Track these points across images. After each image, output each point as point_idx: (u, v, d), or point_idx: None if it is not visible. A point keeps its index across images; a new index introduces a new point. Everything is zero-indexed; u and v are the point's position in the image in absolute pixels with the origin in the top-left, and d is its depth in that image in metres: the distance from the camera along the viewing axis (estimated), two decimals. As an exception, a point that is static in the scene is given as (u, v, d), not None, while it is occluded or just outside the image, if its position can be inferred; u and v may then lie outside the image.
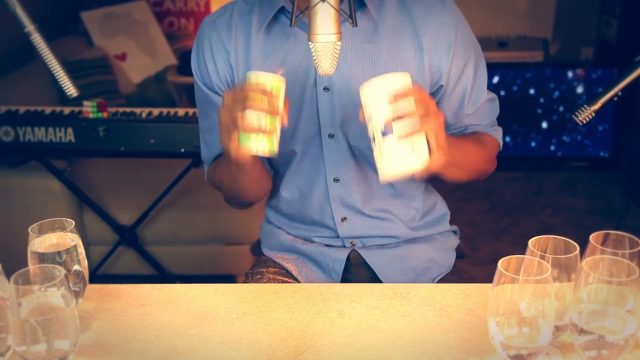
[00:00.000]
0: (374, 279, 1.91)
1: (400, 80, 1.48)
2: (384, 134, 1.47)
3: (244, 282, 1.96)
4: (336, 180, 1.85)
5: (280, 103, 1.53)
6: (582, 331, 1.23)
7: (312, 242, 1.96)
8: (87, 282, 1.47)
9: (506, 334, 1.24)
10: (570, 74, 5.06)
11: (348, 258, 1.92)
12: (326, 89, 1.76)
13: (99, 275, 3.50)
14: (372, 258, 1.91)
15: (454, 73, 1.78)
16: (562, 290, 1.32)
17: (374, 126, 1.48)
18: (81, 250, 1.44)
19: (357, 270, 1.93)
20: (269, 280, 1.92)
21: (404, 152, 1.47)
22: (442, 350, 1.42)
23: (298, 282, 1.94)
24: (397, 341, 1.45)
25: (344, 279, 1.93)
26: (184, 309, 1.58)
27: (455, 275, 1.98)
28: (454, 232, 2.05)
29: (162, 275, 3.53)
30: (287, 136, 1.78)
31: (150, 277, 3.58)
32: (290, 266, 1.97)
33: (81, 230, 3.48)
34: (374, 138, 1.50)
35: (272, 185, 1.96)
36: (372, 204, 1.89)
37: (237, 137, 1.54)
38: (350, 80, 1.74)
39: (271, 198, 2.02)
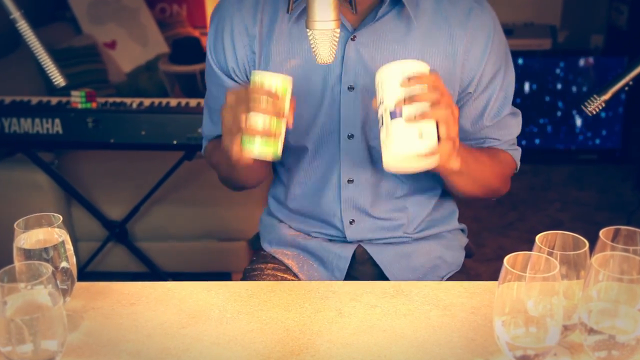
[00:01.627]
0: (380, 276, 1.91)
1: (417, 66, 1.48)
2: (392, 115, 1.47)
3: (242, 279, 1.96)
4: (350, 181, 1.84)
5: (287, 105, 1.52)
6: (591, 331, 1.23)
7: (315, 237, 1.96)
8: (76, 279, 1.47)
9: (512, 334, 1.24)
10: (579, 63, 5.06)
11: (353, 255, 1.92)
12: (351, 88, 1.74)
13: (87, 272, 3.50)
14: (379, 255, 1.91)
15: (484, 81, 1.76)
16: (570, 288, 1.32)
17: (384, 108, 1.48)
18: (69, 246, 1.44)
19: (362, 267, 1.94)
20: (268, 277, 1.92)
21: (411, 135, 1.46)
22: (445, 350, 1.42)
23: (299, 279, 1.93)
24: (399, 341, 1.45)
25: (348, 276, 1.93)
26: (176, 307, 1.58)
27: (464, 274, 1.98)
28: (462, 230, 2.06)
29: (153, 272, 3.53)
30: (300, 131, 1.78)
31: (141, 274, 3.58)
32: (290, 262, 1.96)
33: (69, 225, 3.48)
34: (382, 122, 1.49)
35: (279, 177, 1.96)
36: (383, 206, 1.89)
37: (240, 140, 1.52)
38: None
39: (275, 189, 2.01)
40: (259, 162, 1.62)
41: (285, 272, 1.95)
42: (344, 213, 1.88)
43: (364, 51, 1.71)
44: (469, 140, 1.85)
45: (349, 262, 1.91)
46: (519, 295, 1.23)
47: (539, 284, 1.22)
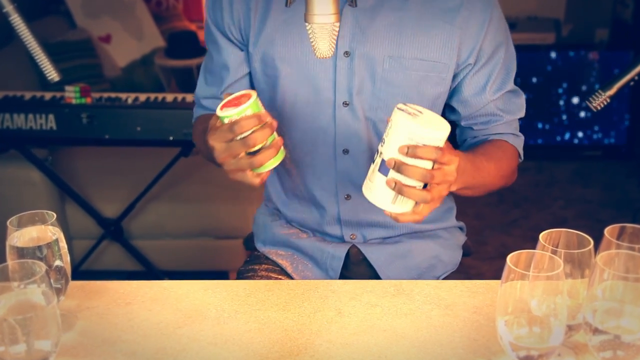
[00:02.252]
0: (375, 277, 1.91)
1: (435, 136, 1.44)
2: (381, 166, 1.47)
3: (236, 279, 1.96)
4: (345, 152, 1.84)
5: (264, 112, 1.52)
6: (596, 331, 1.23)
7: (309, 235, 1.97)
8: (70, 278, 1.47)
9: (515, 334, 1.24)
10: (583, 57, 5.06)
11: (347, 254, 1.92)
12: (347, 53, 1.76)
13: (82, 271, 3.50)
14: (373, 255, 1.91)
15: (485, 53, 1.79)
16: (575, 287, 1.32)
17: (381, 152, 1.47)
18: (63, 244, 1.44)
19: (356, 268, 1.94)
20: (261, 278, 1.92)
21: (386, 195, 1.49)
22: (447, 351, 1.42)
23: (292, 280, 1.93)
24: (400, 341, 1.45)
25: (342, 277, 1.93)
26: (172, 307, 1.58)
27: (461, 273, 1.98)
28: (460, 228, 2.05)
29: (149, 271, 3.53)
30: (294, 99, 1.81)
31: (136, 273, 3.58)
32: (284, 262, 1.97)
33: (63, 223, 3.48)
34: (375, 158, 1.50)
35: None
36: None
37: (252, 173, 1.55)
38: (373, 46, 1.75)
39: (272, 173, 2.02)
40: None
41: (279, 274, 1.95)
42: (339, 186, 1.88)
43: (361, 17, 1.74)
44: (475, 120, 1.87)
45: (342, 261, 1.91)
46: (522, 294, 1.23)
47: (542, 282, 1.22)
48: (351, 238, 1.93)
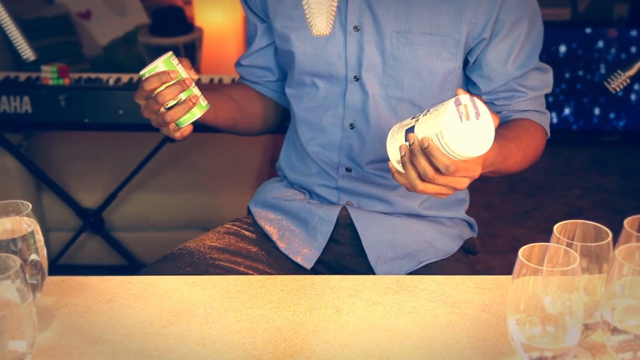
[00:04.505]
0: (359, 247, 1.96)
1: (461, 153, 1.46)
2: (408, 130, 1.52)
3: (217, 228, 2.06)
4: (352, 126, 1.92)
5: (181, 71, 1.74)
6: (615, 330, 1.23)
7: (305, 196, 2.05)
8: (46, 273, 1.47)
9: (528, 334, 1.24)
10: (601, 35, 5.05)
11: (337, 218, 1.98)
12: (356, 28, 1.85)
13: (59, 265, 3.50)
14: (362, 222, 1.96)
15: (503, 27, 1.83)
16: (592, 283, 1.32)
17: (418, 119, 1.51)
18: (39, 237, 1.44)
19: (344, 231, 1.99)
20: (245, 238, 2.01)
21: (395, 152, 1.57)
22: (454, 352, 1.42)
23: (276, 248, 2.00)
24: (402, 342, 1.45)
25: (331, 240, 1.98)
26: (157, 304, 1.58)
27: (461, 263, 1.96)
28: (469, 223, 2.06)
29: (132, 265, 3.53)
30: (309, 68, 1.93)
31: (118, 267, 3.58)
32: (271, 229, 2.04)
33: (39, 214, 3.47)
34: (416, 114, 1.55)
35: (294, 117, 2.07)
36: (382, 165, 1.94)
37: (174, 127, 1.76)
38: (380, 21, 1.83)
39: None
40: (226, 113, 2.00)
41: (263, 239, 2.03)
42: (341, 159, 1.96)
43: None
44: (497, 95, 1.91)
45: (332, 225, 1.97)
46: (535, 291, 1.23)
47: (557, 278, 1.22)
48: (347, 205, 1.99)
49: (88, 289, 1.63)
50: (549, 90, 1.97)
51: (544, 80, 1.95)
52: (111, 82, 3.10)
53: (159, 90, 1.70)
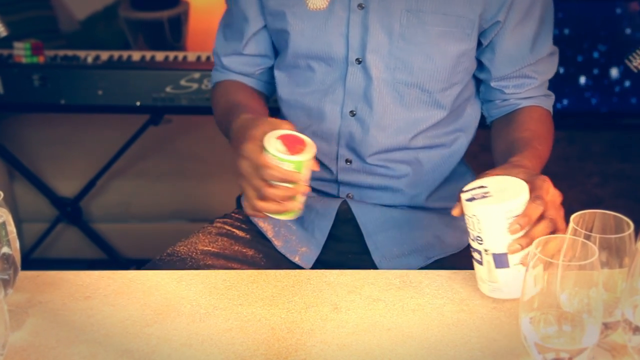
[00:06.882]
0: (362, 242, 1.96)
1: (524, 199, 1.49)
2: (496, 261, 1.52)
3: (207, 227, 2.05)
4: (352, 113, 1.90)
5: (305, 178, 1.60)
6: (637, 330, 1.23)
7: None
8: (19, 268, 1.47)
9: (542, 334, 1.24)
10: (620, 9, 5.05)
11: (337, 213, 1.97)
12: (361, 6, 1.83)
13: (33, 259, 3.51)
14: (364, 217, 1.96)
15: (518, 10, 1.84)
16: (612, 279, 1.33)
17: (486, 250, 1.52)
18: (11, 228, 1.44)
19: (345, 227, 1.98)
20: (238, 239, 1.99)
21: (518, 281, 1.45)
22: (462, 353, 1.42)
23: (274, 248, 1.99)
24: (406, 342, 1.45)
25: (330, 237, 1.96)
26: (139, 301, 1.58)
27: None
28: None
29: (112, 259, 3.53)
30: (306, 49, 1.90)
31: (97, 262, 3.59)
32: (265, 226, 2.03)
33: (11, 203, 3.47)
34: (473, 264, 1.57)
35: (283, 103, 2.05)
36: (386, 155, 1.93)
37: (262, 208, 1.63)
38: None
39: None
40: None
41: (255, 238, 2.02)
42: (341, 150, 1.95)
43: None
44: (507, 82, 1.95)
45: (332, 221, 1.96)
46: (551, 287, 1.23)
47: (574, 273, 1.22)
48: (348, 197, 1.98)
49: (64, 285, 1.62)
50: (553, 73, 2.00)
51: (553, 63, 1.99)
52: (89, 60, 3.10)
53: (276, 183, 1.58)
